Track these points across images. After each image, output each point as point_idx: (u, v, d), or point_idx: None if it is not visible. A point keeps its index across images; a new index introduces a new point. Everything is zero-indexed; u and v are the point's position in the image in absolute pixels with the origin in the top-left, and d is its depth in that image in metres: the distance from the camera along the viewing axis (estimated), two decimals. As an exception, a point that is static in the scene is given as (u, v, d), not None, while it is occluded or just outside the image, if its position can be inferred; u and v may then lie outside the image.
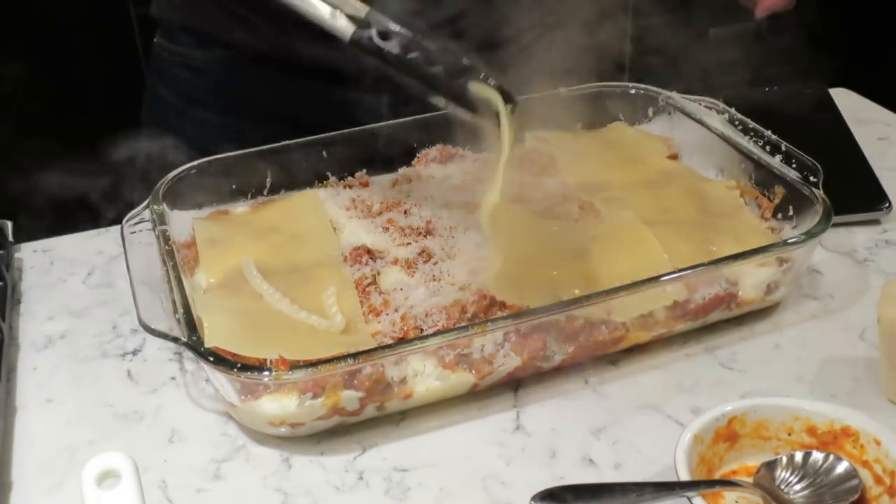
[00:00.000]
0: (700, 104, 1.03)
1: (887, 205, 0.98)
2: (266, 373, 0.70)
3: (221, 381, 0.73)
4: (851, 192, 0.98)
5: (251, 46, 1.06)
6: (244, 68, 1.09)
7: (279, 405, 0.71)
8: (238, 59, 1.08)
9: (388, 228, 0.90)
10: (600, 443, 0.74)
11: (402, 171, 1.00)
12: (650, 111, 1.08)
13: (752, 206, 0.93)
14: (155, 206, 0.88)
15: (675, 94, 1.06)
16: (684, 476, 0.62)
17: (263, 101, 1.09)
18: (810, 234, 0.82)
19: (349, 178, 0.99)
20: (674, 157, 1.03)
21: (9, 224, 0.97)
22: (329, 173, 0.98)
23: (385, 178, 0.99)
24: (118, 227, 0.87)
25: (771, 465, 0.66)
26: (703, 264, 0.80)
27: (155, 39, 1.15)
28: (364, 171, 0.99)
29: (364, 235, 0.90)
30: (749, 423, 0.68)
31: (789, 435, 0.69)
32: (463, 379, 0.76)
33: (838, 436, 0.68)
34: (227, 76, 1.10)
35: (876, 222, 0.98)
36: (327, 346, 0.75)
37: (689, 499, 0.62)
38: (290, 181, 0.96)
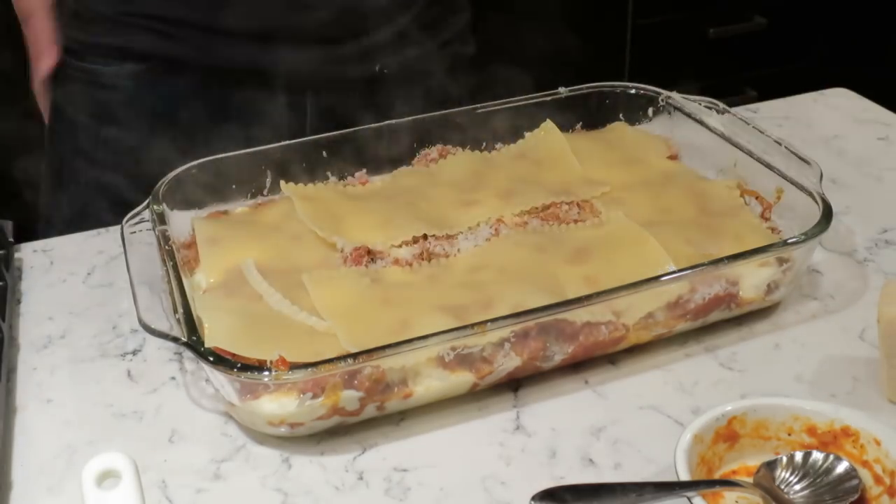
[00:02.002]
0: (700, 104, 1.03)
1: None
2: (266, 373, 0.70)
3: (221, 381, 0.73)
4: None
5: (166, 56, 1.05)
6: (159, 80, 1.07)
7: (279, 405, 0.71)
8: (152, 71, 1.07)
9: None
10: (600, 443, 0.74)
11: (402, 170, 1.00)
12: (650, 111, 1.08)
13: (752, 206, 0.93)
14: (155, 206, 0.88)
15: (675, 94, 1.06)
16: (684, 476, 0.62)
17: (179, 112, 1.07)
18: (810, 234, 0.82)
19: (349, 178, 0.99)
20: (674, 157, 1.03)
21: (9, 224, 0.97)
22: (329, 173, 0.98)
23: (385, 178, 0.99)
24: (118, 227, 0.87)
25: (771, 465, 0.66)
26: (703, 264, 0.80)
27: (59, 59, 1.12)
28: (364, 170, 0.99)
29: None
30: (749, 423, 0.68)
31: (789, 435, 0.69)
32: (463, 379, 0.76)
33: (838, 436, 0.68)
34: (140, 90, 1.08)
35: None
36: (327, 346, 0.75)
37: (689, 499, 0.62)
38: (290, 181, 0.96)
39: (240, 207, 0.95)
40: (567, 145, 1.02)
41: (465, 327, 0.74)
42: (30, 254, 0.98)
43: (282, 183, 0.95)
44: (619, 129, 1.07)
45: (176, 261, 0.81)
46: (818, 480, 0.66)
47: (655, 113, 1.07)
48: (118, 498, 0.57)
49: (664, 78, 1.17)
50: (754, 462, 0.68)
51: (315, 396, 0.71)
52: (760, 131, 0.96)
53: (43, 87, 1.13)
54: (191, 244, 0.89)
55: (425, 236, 0.90)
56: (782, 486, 0.65)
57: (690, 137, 1.02)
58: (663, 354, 0.82)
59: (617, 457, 0.73)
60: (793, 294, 0.88)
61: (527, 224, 0.91)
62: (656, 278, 0.79)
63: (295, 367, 0.70)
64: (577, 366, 0.81)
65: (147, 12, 1.04)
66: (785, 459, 0.67)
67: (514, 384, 0.79)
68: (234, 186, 0.96)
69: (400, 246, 0.89)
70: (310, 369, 0.70)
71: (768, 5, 2.28)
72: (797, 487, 0.65)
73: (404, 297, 0.81)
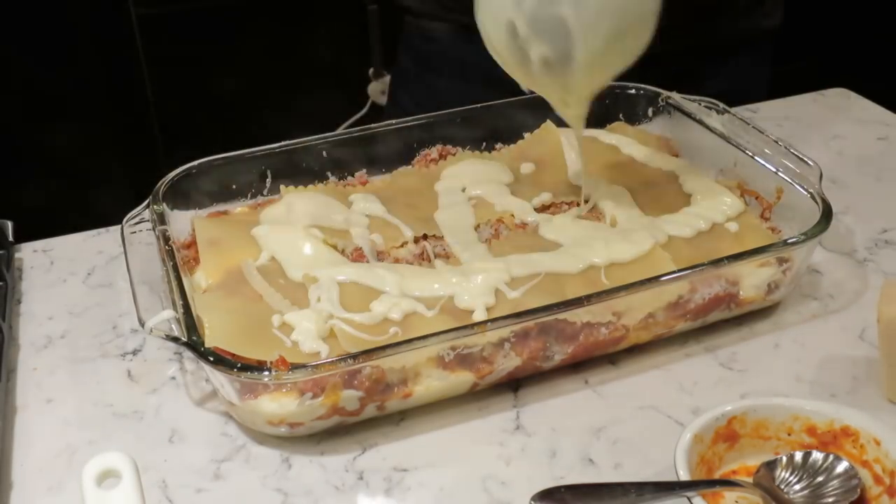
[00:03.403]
0: (700, 104, 1.03)
1: None
2: (266, 373, 0.70)
3: (221, 380, 0.73)
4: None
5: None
6: (468, 37, 1.13)
7: (279, 405, 0.71)
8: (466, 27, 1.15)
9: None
10: (600, 443, 0.74)
11: (402, 170, 1.00)
12: (650, 111, 1.08)
13: (752, 206, 0.93)
14: (155, 206, 0.88)
15: (675, 94, 1.06)
16: (684, 476, 0.62)
17: (486, 68, 1.12)
18: (810, 234, 0.82)
19: (349, 178, 0.99)
20: (674, 157, 1.03)
21: (9, 224, 0.97)
22: (329, 173, 0.98)
23: (385, 178, 0.99)
24: (118, 227, 0.87)
25: (771, 465, 0.66)
26: (703, 264, 0.80)
27: (405, 18, 1.28)
28: (364, 170, 0.99)
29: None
30: (749, 423, 0.68)
31: (789, 435, 0.69)
32: (463, 378, 0.76)
33: (838, 436, 0.68)
34: (456, 44, 1.19)
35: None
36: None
37: (689, 499, 0.62)
38: (290, 181, 0.96)
39: (240, 207, 0.95)
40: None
41: (465, 327, 0.74)
42: (30, 254, 0.98)
43: (282, 187, 0.95)
44: (619, 129, 1.07)
45: (176, 261, 0.81)
46: (818, 480, 0.66)
47: (655, 113, 1.07)
48: (118, 498, 0.57)
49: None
50: (754, 462, 0.68)
51: (315, 396, 0.71)
52: (760, 131, 0.96)
53: None
54: (191, 244, 0.89)
55: (425, 236, 0.90)
56: (782, 486, 0.65)
57: (690, 137, 1.02)
58: (663, 354, 0.83)
59: (617, 457, 0.73)
60: (793, 294, 0.88)
61: (527, 225, 0.91)
62: (656, 278, 0.79)
63: (295, 367, 0.70)
64: (577, 366, 0.81)
65: None
66: (785, 459, 0.67)
67: (514, 384, 0.79)
68: (234, 186, 0.96)
69: (400, 246, 0.89)
70: (310, 369, 0.70)
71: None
72: (797, 487, 0.65)
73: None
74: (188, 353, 0.80)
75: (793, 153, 0.92)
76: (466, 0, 1.05)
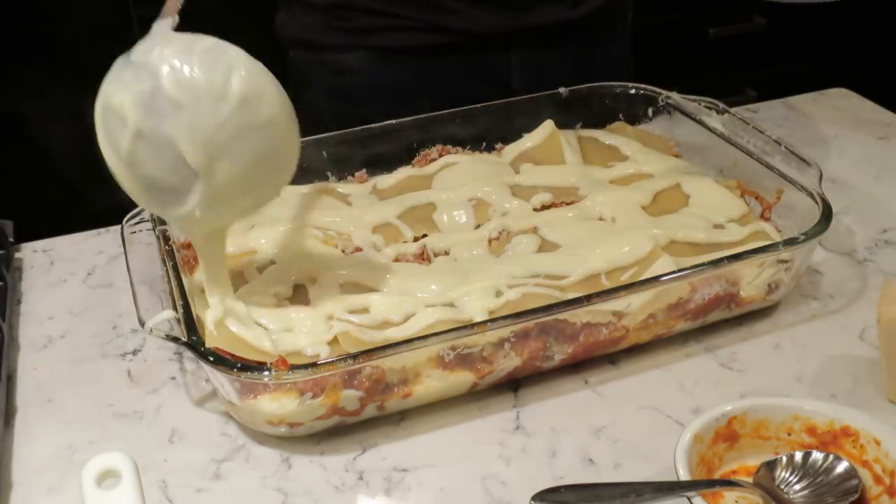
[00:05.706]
0: (700, 104, 1.03)
1: None
2: (266, 373, 0.70)
3: (221, 380, 0.73)
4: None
5: (390, 43, 1.12)
6: (388, 60, 1.13)
7: (279, 405, 0.71)
8: (380, 53, 1.13)
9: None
10: (600, 443, 0.74)
11: (402, 170, 1.00)
12: (650, 111, 1.08)
13: (752, 206, 0.93)
14: (155, 206, 0.88)
15: (675, 94, 1.05)
16: (684, 476, 0.62)
17: (412, 85, 1.13)
18: (810, 234, 0.82)
19: (349, 178, 0.99)
20: (674, 157, 1.02)
21: (9, 224, 0.97)
22: (329, 173, 0.98)
23: (385, 178, 0.99)
24: (118, 227, 0.87)
25: (771, 465, 0.66)
26: (703, 264, 0.80)
27: (290, 54, 1.19)
28: (364, 170, 0.99)
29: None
30: (749, 423, 0.68)
31: (789, 435, 0.69)
32: (463, 378, 0.76)
33: (838, 436, 0.68)
34: (375, 71, 1.14)
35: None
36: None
37: (688, 499, 0.62)
38: (290, 181, 0.96)
39: (240, 207, 0.95)
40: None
41: (465, 327, 0.74)
42: (30, 254, 0.98)
43: None
44: (619, 129, 1.07)
45: (176, 261, 0.81)
46: (818, 480, 0.66)
47: (655, 113, 1.07)
48: (118, 498, 0.57)
49: (664, 78, 1.17)
50: (754, 462, 0.68)
51: (315, 396, 0.71)
52: (760, 131, 0.96)
53: None
54: (191, 244, 0.89)
55: (425, 235, 0.90)
56: (782, 486, 0.65)
57: (690, 137, 1.02)
58: (663, 354, 0.83)
59: (617, 457, 0.73)
60: (793, 294, 0.88)
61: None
62: (656, 279, 0.79)
63: (295, 367, 0.70)
64: (577, 366, 0.81)
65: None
66: (785, 459, 0.67)
67: (514, 384, 0.79)
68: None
69: (400, 245, 0.89)
70: (310, 369, 0.70)
71: (768, 5, 2.28)
72: (797, 487, 0.65)
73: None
74: (188, 353, 0.80)
75: (793, 153, 0.92)
76: (385, 22, 1.07)
